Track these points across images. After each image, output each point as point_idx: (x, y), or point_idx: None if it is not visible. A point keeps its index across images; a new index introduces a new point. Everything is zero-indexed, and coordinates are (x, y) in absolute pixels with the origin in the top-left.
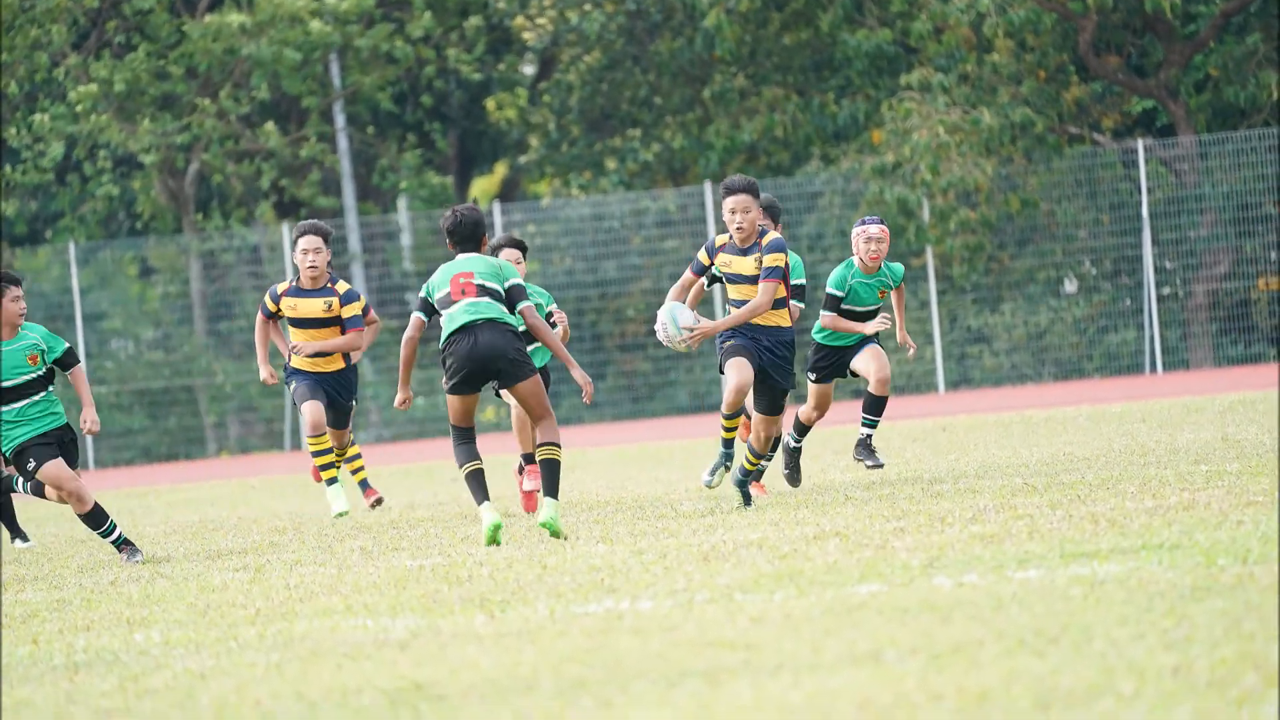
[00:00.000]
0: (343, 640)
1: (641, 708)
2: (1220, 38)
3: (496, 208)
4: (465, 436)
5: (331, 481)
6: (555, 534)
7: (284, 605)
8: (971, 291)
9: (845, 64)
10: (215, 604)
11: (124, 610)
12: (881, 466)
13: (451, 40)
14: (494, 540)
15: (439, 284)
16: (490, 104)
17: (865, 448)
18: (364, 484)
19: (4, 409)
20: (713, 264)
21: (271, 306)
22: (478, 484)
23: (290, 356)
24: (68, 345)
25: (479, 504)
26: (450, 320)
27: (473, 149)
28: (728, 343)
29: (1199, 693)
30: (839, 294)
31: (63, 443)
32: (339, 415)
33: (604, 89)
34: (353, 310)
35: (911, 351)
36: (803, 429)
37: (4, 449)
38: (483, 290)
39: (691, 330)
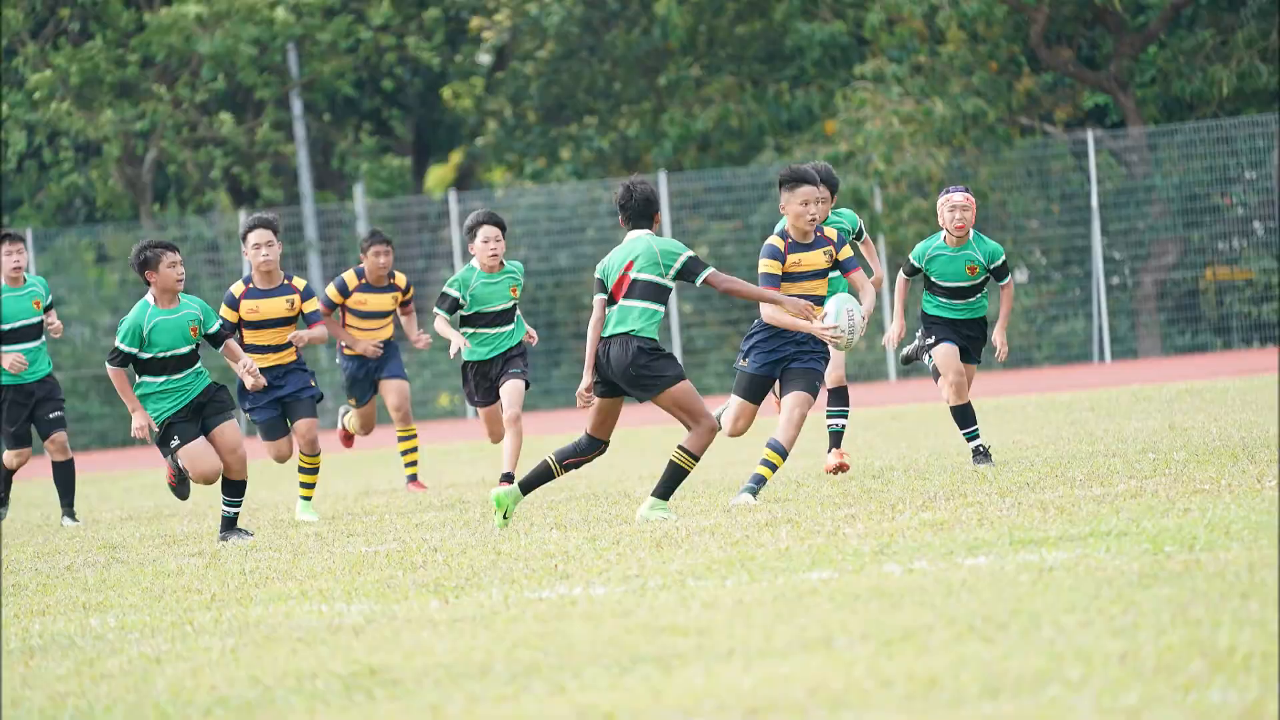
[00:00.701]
0: (297, 625)
1: (594, 692)
2: (1170, 30)
3: (452, 196)
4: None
5: (307, 498)
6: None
7: (239, 590)
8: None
9: (799, 54)
10: (171, 589)
11: (80, 595)
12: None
13: (410, 30)
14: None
15: (612, 270)
16: (446, 93)
17: (981, 454)
18: (412, 477)
19: (149, 380)
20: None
21: (232, 316)
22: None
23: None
24: (223, 320)
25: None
26: (608, 318)
27: (429, 137)
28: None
29: (1146, 678)
30: (918, 265)
31: (207, 402)
32: (306, 405)
33: (560, 79)
34: (312, 305)
35: (1002, 353)
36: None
37: (155, 420)
38: (634, 286)
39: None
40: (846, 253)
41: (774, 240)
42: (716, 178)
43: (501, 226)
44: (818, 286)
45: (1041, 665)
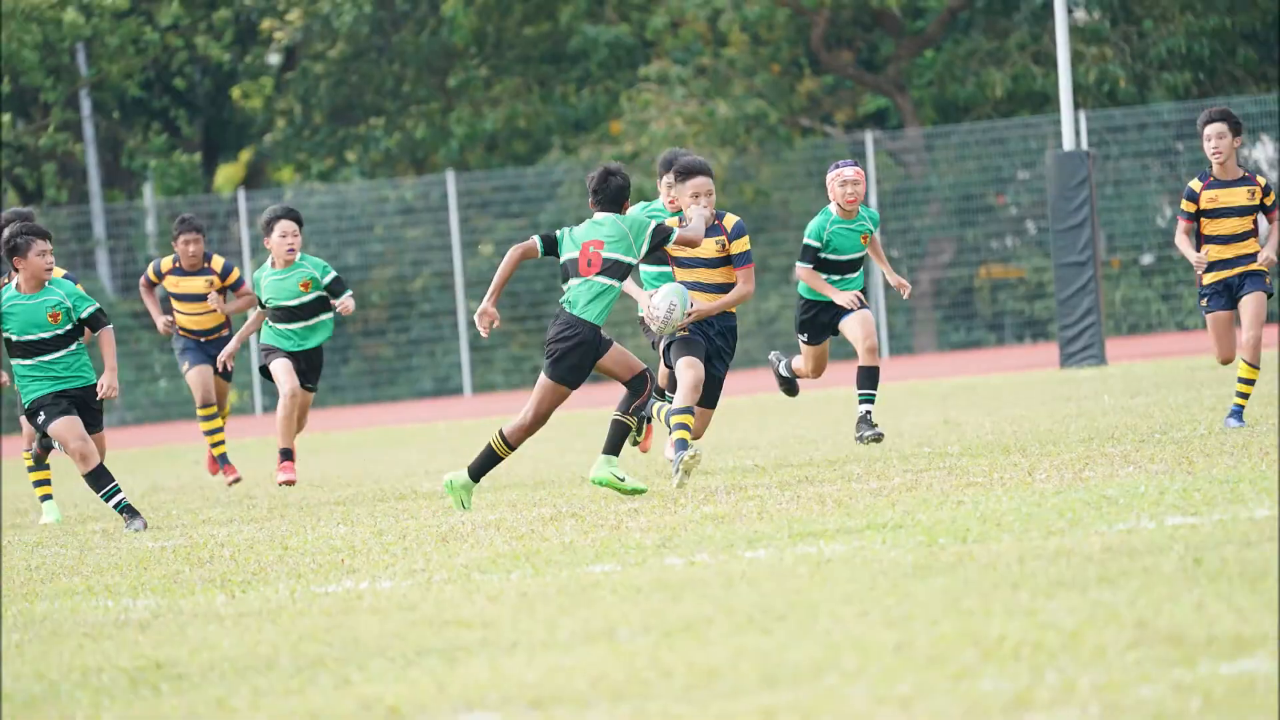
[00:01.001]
0: (84, 620)
1: (379, 684)
2: (947, 35)
3: (241, 194)
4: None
5: (46, 498)
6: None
7: (25, 586)
8: None
9: (585, 56)
10: None
11: None
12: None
13: (199, 29)
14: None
15: (571, 245)
16: (235, 92)
17: (865, 423)
18: (223, 458)
19: (19, 363)
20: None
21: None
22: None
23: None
24: (97, 307)
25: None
26: (572, 295)
27: (218, 136)
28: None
29: (919, 668)
30: (816, 244)
31: (84, 402)
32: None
33: (350, 79)
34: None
35: (906, 292)
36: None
37: (24, 401)
38: (605, 265)
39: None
40: (742, 246)
41: (672, 224)
42: (503, 177)
43: (299, 222)
44: (713, 275)
45: (818, 655)
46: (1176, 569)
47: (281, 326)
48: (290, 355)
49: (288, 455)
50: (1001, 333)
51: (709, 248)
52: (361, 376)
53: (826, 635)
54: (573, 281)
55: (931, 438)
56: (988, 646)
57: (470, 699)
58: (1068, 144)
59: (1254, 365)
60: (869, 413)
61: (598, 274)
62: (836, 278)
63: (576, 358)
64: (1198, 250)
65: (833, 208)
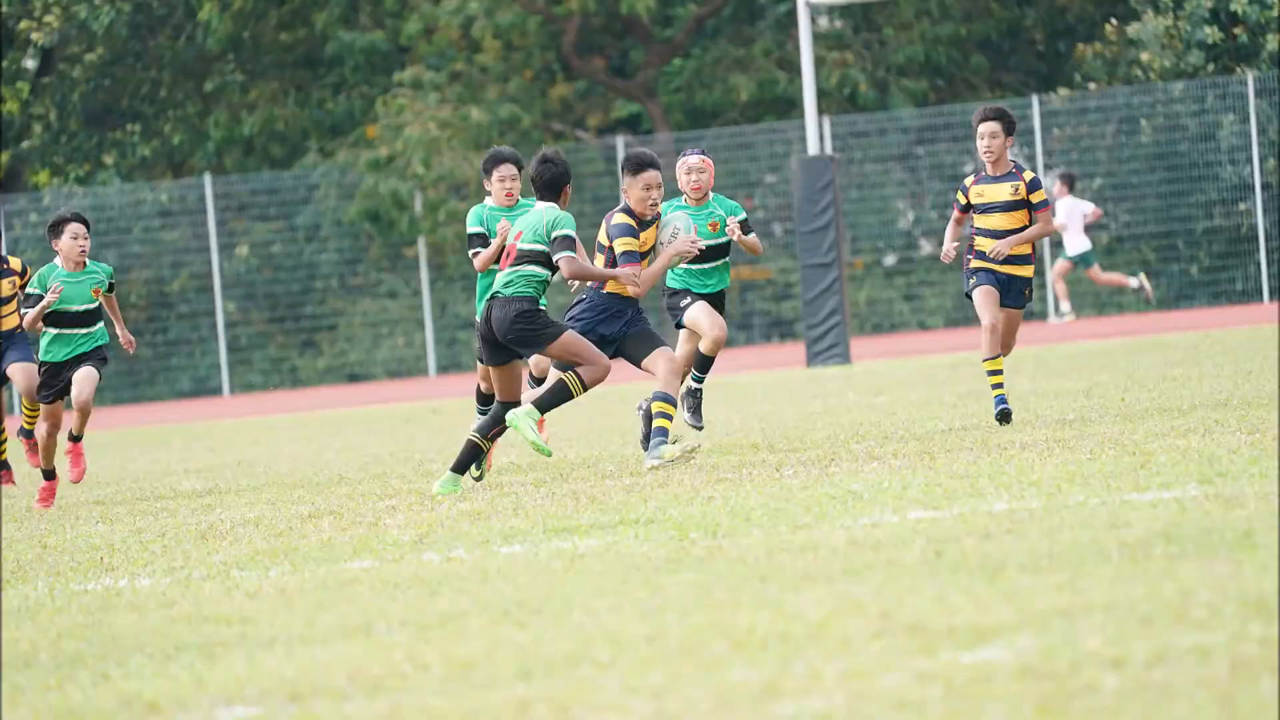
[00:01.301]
0: None
1: (138, 680)
2: (695, 42)
3: None
4: (485, 401)
5: None
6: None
7: None
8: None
9: (340, 61)
10: None
11: None
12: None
13: None
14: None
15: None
16: None
17: (691, 396)
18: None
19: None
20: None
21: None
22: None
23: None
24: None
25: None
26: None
27: None
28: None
29: (671, 659)
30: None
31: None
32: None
33: (107, 84)
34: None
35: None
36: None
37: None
38: (520, 256)
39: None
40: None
41: (624, 219)
42: (260, 180)
43: (88, 224)
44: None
45: (572, 648)
46: (919, 561)
47: (66, 332)
48: (63, 363)
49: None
50: (750, 332)
51: (651, 237)
52: (120, 377)
53: (580, 628)
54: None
55: (683, 434)
56: (737, 638)
57: (229, 694)
58: (812, 149)
59: (1001, 354)
60: (698, 391)
61: (514, 264)
62: (697, 268)
63: (504, 329)
64: (969, 247)
65: (683, 197)
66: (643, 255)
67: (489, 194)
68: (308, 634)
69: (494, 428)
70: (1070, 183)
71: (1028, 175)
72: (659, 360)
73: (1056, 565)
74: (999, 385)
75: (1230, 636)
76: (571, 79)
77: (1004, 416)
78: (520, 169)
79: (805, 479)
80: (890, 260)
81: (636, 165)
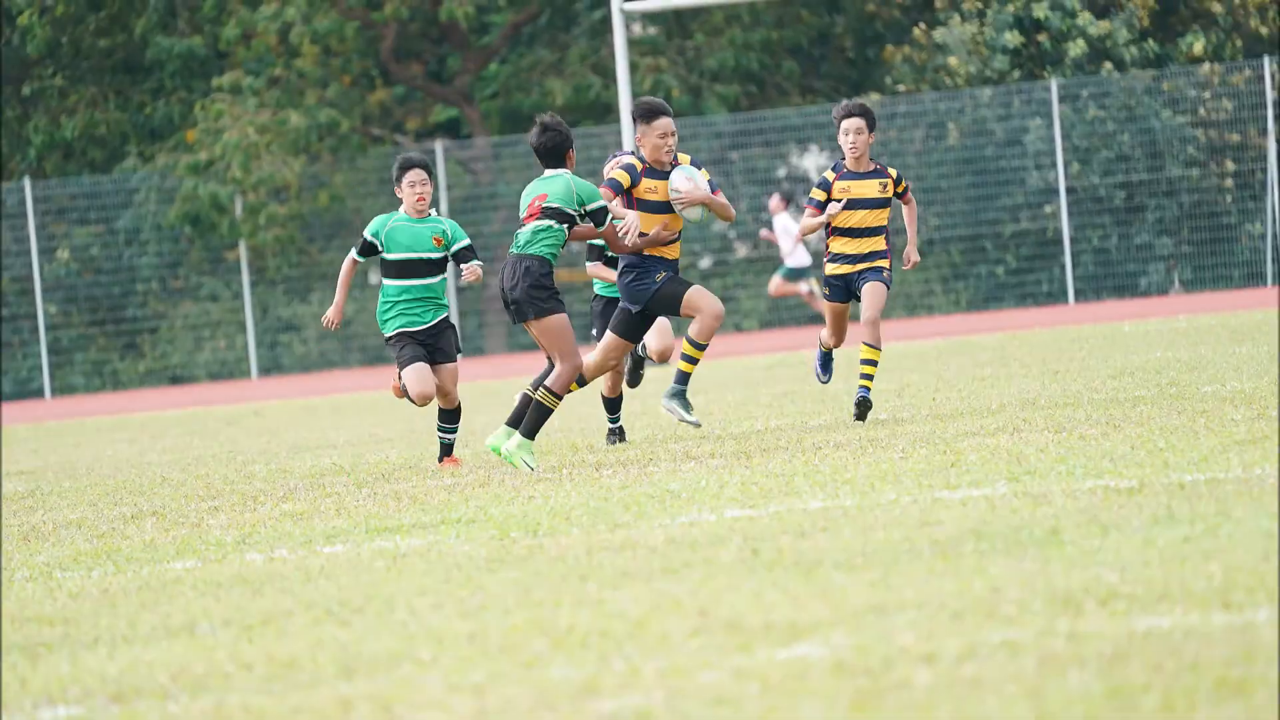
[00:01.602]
0: None
1: None
2: (512, 48)
3: None
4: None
5: None
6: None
7: None
8: (283, 283)
9: (159, 66)
10: None
11: None
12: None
13: None
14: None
15: (524, 202)
16: None
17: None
18: None
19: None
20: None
21: None
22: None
23: None
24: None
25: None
26: (518, 238)
27: None
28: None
29: (492, 656)
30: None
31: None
32: None
33: None
34: None
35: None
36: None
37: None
38: (546, 213)
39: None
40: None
41: (629, 159)
42: (80, 184)
43: None
44: (673, 221)
45: (395, 646)
46: (735, 559)
47: None
48: None
49: None
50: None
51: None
52: None
53: (403, 626)
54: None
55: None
56: (557, 636)
57: (52, 694)
58: None
59: (874, 346)
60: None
61: (538, 219)
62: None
63: (520, 292)
64: (824, 249)
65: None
66: (660, 207)
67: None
68: (130, 634)
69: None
70: (787, 200)
71: (893, 172)
72: (701, 303)
73: (870, 563)
74: (867, 377)
75: (1038, 632)
76: (390, 84)
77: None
78: (430, 174)
79: (624, 479)
80: (706, 263)
81: (649, 112)
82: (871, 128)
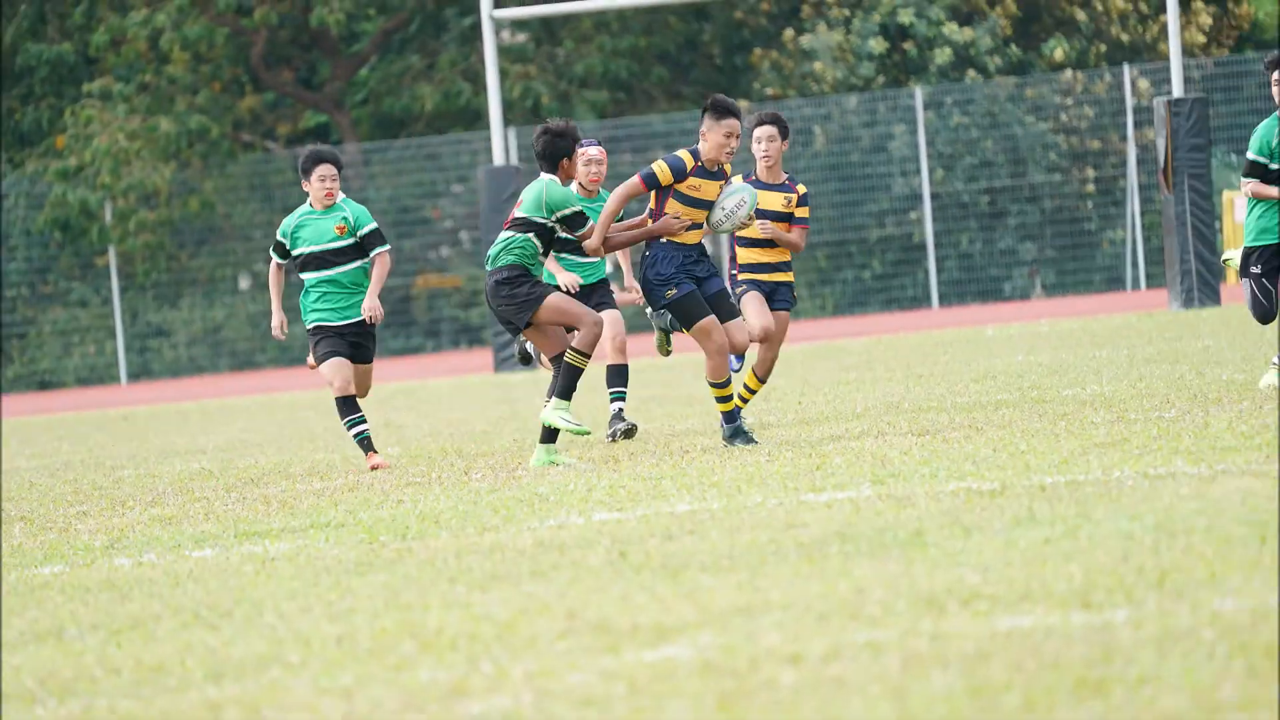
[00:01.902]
0: None
1: None
2: (382, 54)
3: None
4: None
5: None
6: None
7: None
8: (152, 289)
9: (29, 73)
10: None
11: None
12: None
13: None
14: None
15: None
16: None
17: (617, 418)
18: None
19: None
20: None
21: None
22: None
23: None
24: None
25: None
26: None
27: None
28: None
29: (360, 659)
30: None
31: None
32: None
33: None
34: None
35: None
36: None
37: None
38: (514, 224)
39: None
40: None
41: (683, 155)
42: None
43: None
44: (699, 217)
45: (263, 649)
46: (603, 562)
47: None
48: None
49: None
50: (439, 339)
51: (714, 191)
52: None
53: (271, 630)
54: None
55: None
56: (426, 638)
57: None
58: (498, 159)
59: (762, 380)
60: (621, 410)
61: (505, 230)
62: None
63: (501, 309)
64: (731, 260)
65: (574, 186)
66: (699, 204)
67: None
68: None
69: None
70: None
71: (801, 189)
72: (736, 334)
73: (736, 565)
74: (744, 400)
75: (902, 632)
76: (260, 90)
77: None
78: (339, 168)
79: (493, 482)
80: None
81: (722, 110)
82: (784, 136)
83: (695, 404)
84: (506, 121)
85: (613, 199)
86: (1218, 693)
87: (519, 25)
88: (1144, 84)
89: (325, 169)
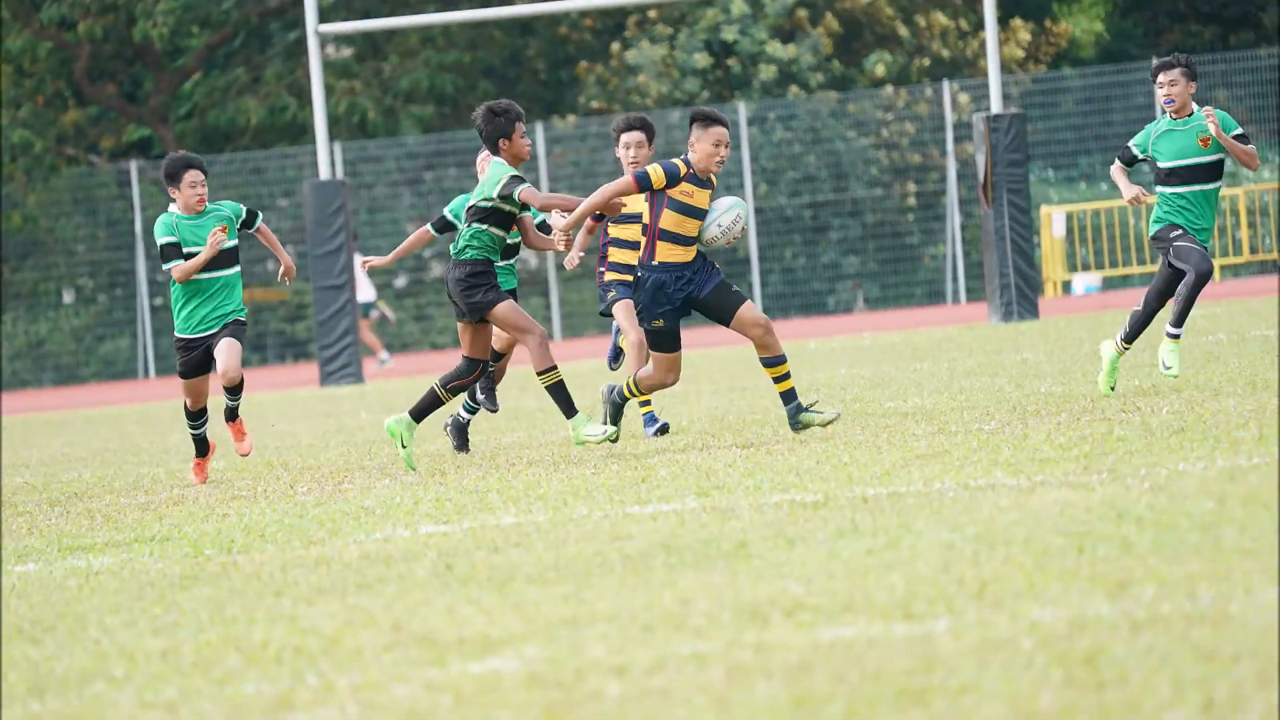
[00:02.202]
0: None
1: None
2: (207, 68)
3: None
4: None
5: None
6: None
7: None
8: None
9: None
10: None
11: None
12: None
13: None
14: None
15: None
16: None
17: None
18: None
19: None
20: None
21: None
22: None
23: None
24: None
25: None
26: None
27: None
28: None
29: (185, 674)
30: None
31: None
32: None
33: None
34: None
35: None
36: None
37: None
38: (472, 215)
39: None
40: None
41: (677, 162)
42: None
43: None
44: (694, 228)
45: (87, 664)
46: (430, 574)
47: None
48: None
49: None
50: (264, 352)
51: (705, 200)
52: None
53: (95, 644)
54: None
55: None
56: (251, 652)
57: None
58: (324, 173)
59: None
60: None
61: (464, 221)
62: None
63: (459, 299)
64: (601, 259)
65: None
66: (691, 211)
67: (174, 201)
68: None
69: (457, 379)
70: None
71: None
72: (751, 328)
73: (562, 576)
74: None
75: (726, 643)
76: (84, 104)
77: (664, 431)
78: (206, 175)
79: (319, 495)
80: (401, 282)
81: (708, 119)
82: (651, 140)
83: (521, 418)
84: (332, 136)
85: (600, 191)
86: (1036, 702)
87: (344, 40)
88: (964, 99)
89: (194, 175)
